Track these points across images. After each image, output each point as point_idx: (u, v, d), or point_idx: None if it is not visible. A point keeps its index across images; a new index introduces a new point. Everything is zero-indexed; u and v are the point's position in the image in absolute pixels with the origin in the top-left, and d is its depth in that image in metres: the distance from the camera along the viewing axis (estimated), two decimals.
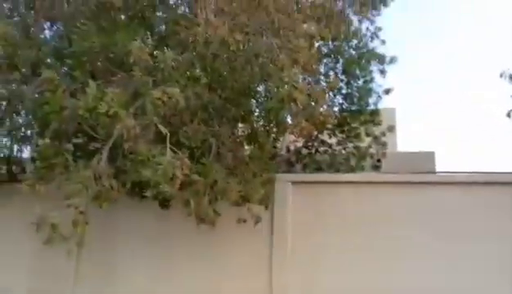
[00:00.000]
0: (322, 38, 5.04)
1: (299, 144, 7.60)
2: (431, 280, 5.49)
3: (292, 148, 7.67)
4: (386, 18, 7.40)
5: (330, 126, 6.65)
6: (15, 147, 5.79)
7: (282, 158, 7.43)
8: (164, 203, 5.76)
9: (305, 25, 4.65)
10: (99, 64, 4.34)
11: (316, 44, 5.21)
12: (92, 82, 3.71)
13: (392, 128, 7.91)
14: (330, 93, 6.86)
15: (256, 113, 5.58)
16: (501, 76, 6.28)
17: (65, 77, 4.12)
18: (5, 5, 4.69)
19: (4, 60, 4.31)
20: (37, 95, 4.32)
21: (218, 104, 5.18)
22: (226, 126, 5.33)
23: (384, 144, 7.89)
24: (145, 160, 3.87)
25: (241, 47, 4.37)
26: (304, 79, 5.06)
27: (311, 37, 4.58)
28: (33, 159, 5.82)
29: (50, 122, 4.19)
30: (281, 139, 6.64)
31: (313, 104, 4.66)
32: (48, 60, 4.58)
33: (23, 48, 4.34)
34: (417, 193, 5.90)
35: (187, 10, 5.38)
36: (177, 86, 4.21)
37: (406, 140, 10.06)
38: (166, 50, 4.28)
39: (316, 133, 6.63)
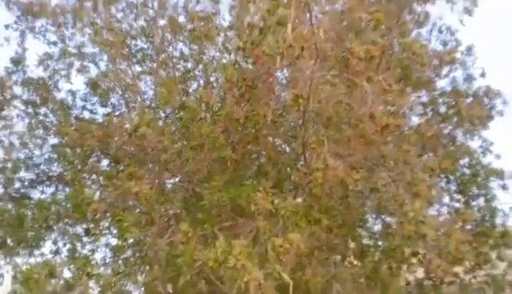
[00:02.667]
0: (443, 170, 5.00)
1: (419, 275, 7.01)
2: None
3: (411, 278, 7.08)
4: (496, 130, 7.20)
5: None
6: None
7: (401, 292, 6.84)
8: None
9: (425, 157, 4.70)
10: (225, 214, 4.76)
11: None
12: (221, 236, 4.03)
13: None
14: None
15: (375, 250, 5.41)
16: None
17: (196, 230, 4.55)
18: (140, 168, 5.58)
19: (143, 216, 4.97)
20: (169, 247, 4.76)
21: (333, 242, 5.19)
22: (342, 266, 5.22)
23: None
24: None
25: (359, 186, 4.50)
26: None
27: (431, 170, 4.59)
28: None
29: (182, 273, 4.50)
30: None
31: (445, 238, 4.42)
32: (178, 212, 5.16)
33: (158, 205, 5.00)
34: None
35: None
36: (297, 231, 4.38)
37: None
38: (281, 193, 4.58)
39: None
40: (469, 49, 7.01)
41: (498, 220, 6.89)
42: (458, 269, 6.87)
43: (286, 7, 3.46)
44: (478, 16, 7.03)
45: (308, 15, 3.64)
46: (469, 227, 6.95)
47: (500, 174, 6.98)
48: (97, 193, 5.70)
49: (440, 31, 7.00)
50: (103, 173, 6.30)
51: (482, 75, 6.96)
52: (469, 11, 6.76)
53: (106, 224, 6.13)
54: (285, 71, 4.89)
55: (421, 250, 5.03)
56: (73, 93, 7.62)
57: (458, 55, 6.86)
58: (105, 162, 6.93)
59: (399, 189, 4.66)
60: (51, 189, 7.35)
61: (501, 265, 6.92)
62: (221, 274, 4.27)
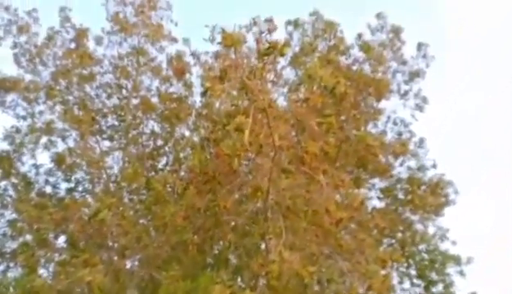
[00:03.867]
0: (395, 261, 5.30)
1: None
2: None
3: None
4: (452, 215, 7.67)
5: None
6: None
7: None
8: None
9: (374, 248, 4.98)
10: None
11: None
12: None
13: None
14: None
15: None
16: None
17: None
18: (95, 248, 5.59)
19: None
20: None
21: None
22: None
23: None
24: None
25: (314, 278, 4.68)
26: None
27: (383, 261, 4.87)
28: None
29: None
30: None
31: None
32: None
33: (112, 292, 4.97)
34: None
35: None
36: None
37: None
38: (240, 280, 4.69)
39: None
40: (421, 141, 7.70)
41: None
42: None
43: (245, 113, 3.87)
44: (430, 109, 7.88)
45: (266, 120, 4.08)
46: None
47: (457, 260, 7.34)
48: (49, 278, 5.59)
49: (395, 123, 7.71)
50: (57, 255, 6.20)
51: (434, 166, 7.59)
52: (420, 107, 7.57)
53: None
54: (245, 163, 5.24)
55: None
56: (37, 167, 7.70)
57: (411, 146, 7.51)
58: (61, 239, 6.88)
59: (354, 279, 4.88)
60: (2, 267, 7.12)
61: None
62: None
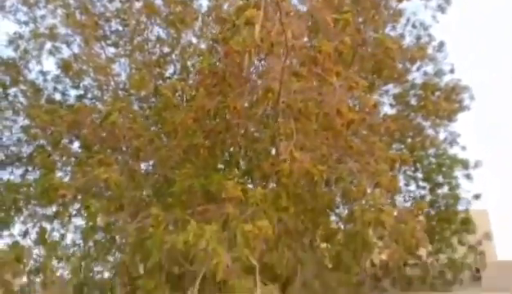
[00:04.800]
0: (403, 161, 5.43)
1: (385, 257, 7.55)
2: None
3: (377, 261, 7.63)
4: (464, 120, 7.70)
5: None
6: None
7: (367, 273, 7.39)
8: None
9: (384, 150, 5.08)
10: (195, 200, 5.06)
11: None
12: (192, 221, 4.35)
13: (489, 236, 7.66)
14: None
15: (340, 234, 5.85)
16: None
17: (166, 214, 4.85)
18: (111, 153, 5.79)
19: (113, 203, 5.22)
20: (138, 232, 5.06)
21: (301, 227, 5.59)
22: (308, 249, 5.65)
23: (482, 254, 7.59)
24: None
25: (324, 177, 4.87)
26: (389, 199, 5.35)
27: (392, 161, 4.99)
28: (125, 286, 6.50)
29: (150, 256, 4.83)
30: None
31: (402, 225, 4.86)
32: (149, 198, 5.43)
33: (128, 190, 5.26)
34: None
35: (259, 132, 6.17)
36: (265, 218, 4.75)
37: (505, 244, 9.46)
38: (251, 181, 4.92)
39: None
40: (441, 45, 7.40)
41: (460, 207, 7.46)
42: (421, 252, 7.46)
43: (256, 7, 3.69)
44: (451, 13, 7.45)
45: (278, 14, 3.90)
46: (433, 213, 7.54)
47: (464, 164, 7.51)
48: (66, 178, 5.89)
49: (414, 26, 7.35)
50: (73, 157, 6.46)
51: (452, 71, 7.39)
52: (442, 8, 7.14)
53: (76, 209, 6.36)
54: (257, 63, 5.13)
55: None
56: (44, 74, 7.68)
57: (430, 50, 7.25)
58: (76, 145, 7.13)
59: (363, 178, 5.07)
60: (21, 171, 7.50)
61: (461, 249, 7.54)
62: (190, 257, 4.61)
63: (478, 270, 7.70)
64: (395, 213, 4.97)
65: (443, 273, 7.47)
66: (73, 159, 6.69)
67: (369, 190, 5.05)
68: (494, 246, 8.61)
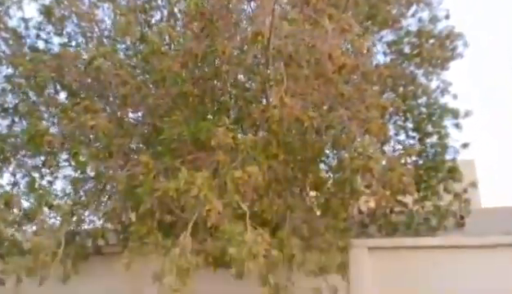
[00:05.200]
0: (396, 109, 5.41)
1: (372, 205, 7.74)
2: None
3: (364, 209, 7.82)
4: (456, 69, 7.64)
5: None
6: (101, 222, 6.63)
7: (354, 219, 7.60)
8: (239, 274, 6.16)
9: (375, 97, 5.05)
10: (185, 148, 5.06)
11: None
12: (183, 168, 4.37)
13: (474, 184, 7.81)
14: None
15: (329, 182, 5.95)
16: None
17: (156, 162, 4.86)
18: (98, 101, 5.71)
19: (101, 150, 5.19)
20: (128, 179, 5.09)
21: (290, 175, 5.66)
22: (298, 197, 5.76)
23: (467, 201, 7.78)
24: (231, 238, 4.36)
25: (314, 124, 4.86)
26: (379, 147, 5.39)
27: (383, 108, 4.98)
28: (118, 234, 6.64)
29: (141, 203, 4.89)
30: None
31: (390, 172, 4.94)
32: (138, 147, 5.40)
33: (117, 138, 5.22)
34: (506, 257, 5.71)
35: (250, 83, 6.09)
36: (255, 164, 4.78)
37: (490, 193, 9.75)
38: (241, 129, 4.90)
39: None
40: None
41: (448, 156, 7.55)
42: (407, 200, 7.65)
43: None
44: None
45: None
46: (420, 162, 7.65)
47: (455, 113, 7.52)
48: (53, 126, 5.82)
49: None
50: (59, 106, 6.36)
51: (447, 17, 7.21)
52: None
53: (65, 159, 6.35)
54: (246, 7, 4.96)
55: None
56: (25, 21, 7.38)
57: None
58: (62, 96, 7.00)
59: (353, 126, 5.07)
60: (7, 122, 7.39)
61: (447, 197, 7.71)
62: (182, 204, 4.67)
63: (462, 217, 7.91)
64: (384, 162, 5.04)
65: (428, 219, 7.67)
66: (59, 109, 6.59)
67: (359, 138, 5.07)
68: (479, 194, 8.82)
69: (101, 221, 6.51)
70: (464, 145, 7.59)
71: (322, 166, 6.66)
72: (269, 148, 5.02)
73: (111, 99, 6.16)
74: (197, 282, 6.64)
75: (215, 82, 5.61)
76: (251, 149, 4.78)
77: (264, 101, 5.36)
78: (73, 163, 5.95)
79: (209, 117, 5.56)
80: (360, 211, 7.85)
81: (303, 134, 5.36)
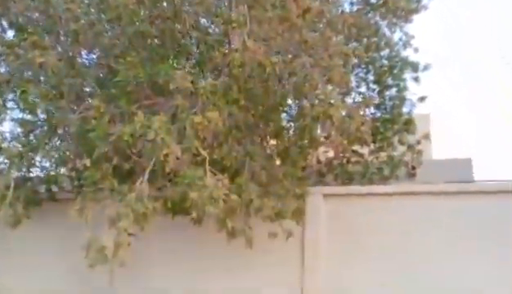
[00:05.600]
0: (357, 57, 5.40)
1: (330, 155, 7.95)
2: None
3: (323, 159, 8.02)
4: (419, 23, 7.69)
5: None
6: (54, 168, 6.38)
7: (313, 168, 7.79)
8: (198, 220, 6.23)
9: (339, 45, 5.01)
10: (142, 92, 4.85)
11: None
12: (139, 112, 4.21)
13: (427, 136, 8.14)
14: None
15: (289, 130, 5.99)
16: None
17: (109, 105, 4.65)
18: (47, 37, 5.28)
19: (52, 90, 4.88)
20: (81, 122, 4.87)
21: (251, 122, 5.63)
22: (258, 145, 5.77)
23: (419, 153, 8.13)
24: (191, 183, 4.35)
25: (277, 70, 4.78)
26: (340, 96, 5.43)
27: (345, 55, 4.96)
28: (72, 180, 6.44)
29: (95, 148, 4.72)
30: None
31: (349, 119, 5.02)
32: (92, 89, 5.12)
33: (68, 78, 4.90)
34: (454, 203, 6.08)
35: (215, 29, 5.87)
36: (215, 110, 4.70)
37: (442, 147, 10.24)
38: (202, 73, 4.75)
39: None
40: None
41: (405, 109, 7.78)
42: (364, 151, 7.91)
43: None
44: None
45: None
46: (378, 115, 7.85)
47: (415, 66, 7.65)
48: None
49: None
50: (5, 43, 5.85)
51: None
52: None
53: (11, 98, 5.93)
54: None
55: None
56: None
57: None
58: (9, 32, 6.42)
59: (315, 73, 5.04)
60: None
61: (401, 148, 8.02)
62: (138, 149, 4.56)
63: (413, 167, 8.29)
64: (343, 112, 5.10)
65: (381, 169, 7.98)
66: (5, 45, 6.07)
67: (321, 86, 5.07)
68: (431, 147, 9.24)
69: (54, 166, 6.27)
70: (421, 99, 7.81)
71: (284, 115, 6.68)
72: (230, 93, 4.92)
73: (62, 37, 5.72)
74: (154, 231, 6.71)
75: (175, 24, 5.31)
76: (211, 95, 4.66)
77: (227, 46, 5.18)
78: (21, 104, 5.58)
79: (169, 61, 5.31)
80: (318, 161, 8.05)
81: (265, 81, 5.27)
